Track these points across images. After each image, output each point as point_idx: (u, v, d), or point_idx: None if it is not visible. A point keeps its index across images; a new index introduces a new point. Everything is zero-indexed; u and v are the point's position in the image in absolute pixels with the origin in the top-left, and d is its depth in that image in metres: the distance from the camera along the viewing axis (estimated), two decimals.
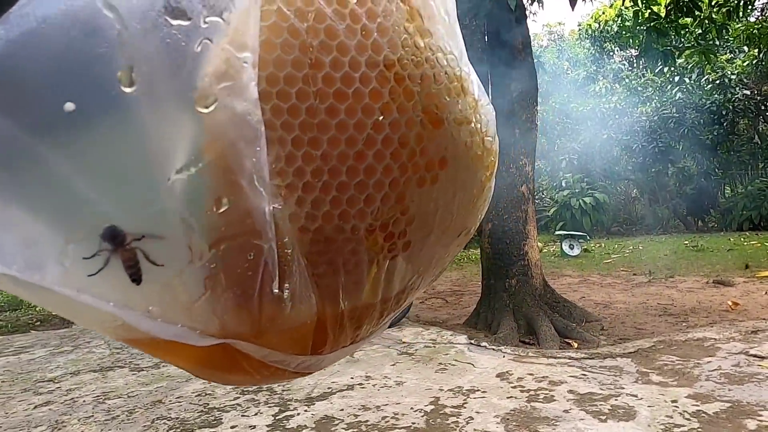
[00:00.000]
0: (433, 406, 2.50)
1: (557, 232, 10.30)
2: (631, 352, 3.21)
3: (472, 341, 3.63)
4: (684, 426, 2.13)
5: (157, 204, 0.26)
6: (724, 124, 11.79)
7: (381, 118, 0.28)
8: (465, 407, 2.47)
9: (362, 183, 0.29)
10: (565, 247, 8.91)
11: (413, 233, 0.31)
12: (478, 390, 2.70)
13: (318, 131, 0.27)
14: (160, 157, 0.25)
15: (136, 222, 0.26)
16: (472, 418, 2.34)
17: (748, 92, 11.54)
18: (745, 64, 11.54)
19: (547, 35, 19.72)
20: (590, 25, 14.74)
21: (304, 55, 0.27)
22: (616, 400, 2.46)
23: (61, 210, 0.25)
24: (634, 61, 14.86)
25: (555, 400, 2.51)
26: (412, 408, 2.49)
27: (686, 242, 9.31)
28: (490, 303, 4.33)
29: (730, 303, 4.47)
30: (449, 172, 0.31)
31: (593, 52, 15.45)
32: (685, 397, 2.43)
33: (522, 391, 2.65)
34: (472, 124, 0.32)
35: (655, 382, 2.68)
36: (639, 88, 13.38)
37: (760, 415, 2.15)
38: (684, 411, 2.28)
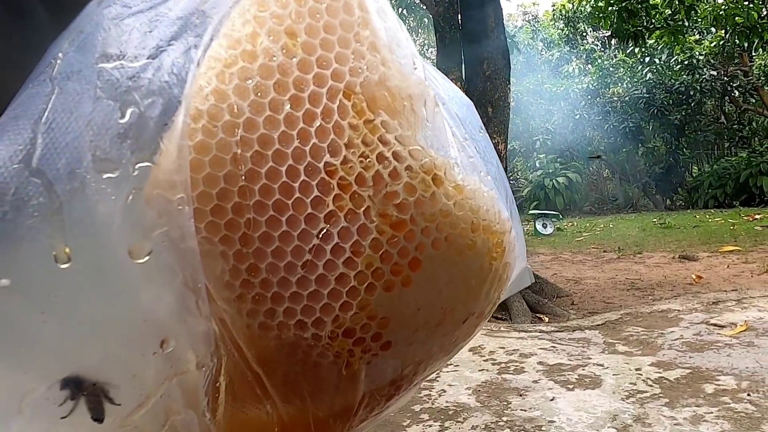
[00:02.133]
0: None
1: (531, 212, 10.46)
2: (598, 325, 3.31)
3: None
4: (647, 392, 2.22)
5: (105, 354, 0.26)
6: (692, 104, 12.07)
7: (328, 227, 0.27)
8: (438, 380, 2.52)
9: (315, 293, 0.27)
10: (539, 226, 9.07)
11: (391, 334, 0.29)
12: (450, 364, 2.75)
13: (260, 243, 0.26)
14: (101, 313, 0.25)
15: (92, 372, 0.26)
16: (445, 391, 2.39)
17: (714, 73, 11.82)
18: (712, 45, 11.78)
19: (521, 15, 19.73)
20: (564, 5, 14.79)
21: (236, 168, 0.25)
22: (583, 369, 2.54)
23: (20, 362, 0.25)
24: (607, 41, 15.02)
25: (525, 372, 2.58)
26: None
27: (654, 220, 9.58)
28: None
29: (694, 277, 4.64)
30: (425, 272, 0.28)
31: (567, 32, 15.55)
32: (649, 365, 2.53)
33: (493, 364, 2.71)
34: (452, 216, 0.28)
35: (621, 351, 2.77)
36: (611, 69, 13.57)
37: (718, 380, 2.25)
38: (647, 378, 2.37)
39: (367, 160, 0.27)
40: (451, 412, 2.17)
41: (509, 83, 4.58)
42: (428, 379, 2.35)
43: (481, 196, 0.30)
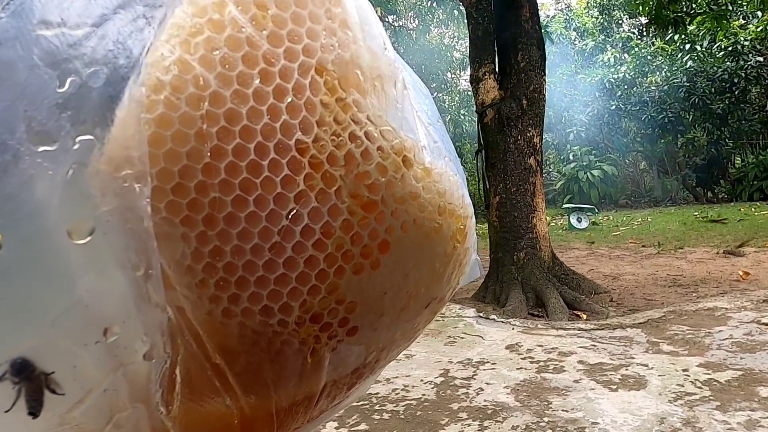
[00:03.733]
0: (443, 378, 2.51)
1: (565, 206, 10.24)
2: (641, 323, 3.20)
3: (481, 314, 3.64)
4: (696, 394, 2.13)
5: (42, 341, 0.24)
6: (736, 92, 11.55)
7: (297, 207, 0.25)
8: (475, 379, 2.48)
9: (283, 276, 0.26)
10: (573, 221, 8.87)
11: (357, 319, 0.29)
12: (487, 362, 2.70)
13: (225, 224, 0.25)
14: (39, 298, 0.23)
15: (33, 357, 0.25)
16: (482, 389, 2.35)
17: (761, 59, 11.27)
18: (758, 29, 11.22)
19: (553, 4, 19.25)
20: None
21: (200, 144, 0.24)
22: (626, 369, 2.46)
23: None
24: (644, 29, 14.51)
25: (565, 371, 2.52)
26: (422, 380, 2.50)
27: (696, 213, 9.23)
28: (499, 276, 4.32)
29: (740, 273, 4.44)
30: (394, 254, 0.28)
31: (601, 21, 15.08)
32: (697, 365, 2.43)
33: (531, 363, 2.65)
34: (421, 198, 0.28)
35: (666, 351, 2.67)
36: (648, 57, 13.09)
37: None
38: (696, 379, 2.27)
39: (339, 138, 0.26)
40: (489, 412, 2.14)
41: (544, 75, 4.46)
42: (465, 377, 2.31)
43: (447, 179, 0.30)
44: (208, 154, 0.24)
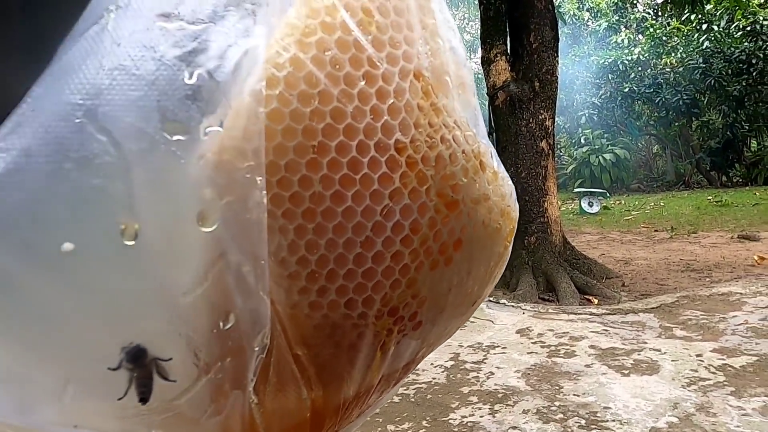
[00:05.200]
0: (453, 362, 2.51)
1: (576, 190, 10.14)
2: (653, 308, 3.17)
3: (491, 298, 3.62)
4: (710, 379, 2.10)
5: (163, 327, 0.25)
6: (754, 74, 11.27)
7: (391, 204, 0.27)
8: (485, 363, 2.48)
9: (370, 270, 0.28)
10: (584, 205, 8.78)
11: (424, 314, 0.31)
12: (498, 346, 2.70)
13: (323, 219, 0.26)
14: (166, 284, 0.24)
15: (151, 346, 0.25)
16: (493, 373, 2.35)
17: None
18: None
19: None
20: None
21: (307, 140, 0.25)
22: (639, 354, 2.44)
23: (63, 346, 0.24)
24: (659, 8, 14.16)
25: (576, 356, 2.50)
26: (432, 364, 2.50)
27: (709, 197, 9.09)
28: (509, 260, 4.28)
29: (756, 257, 4.37)
30: (464, 252, 0.30)
31: (616, 0, 14.74)
32: (710, 351, 2.40)
33: (542, 347, 2.64)
34: (491, 201, 0.31)
35: (679, 336, 2.64)
36: (664, 38, 12.80)
37: None
38: (710, 365, 2.25)
39: (432, 140, 0.28)
40: (500, 395, 2.13)
41: (557, 56, 4.36)
42: (475, 361, 2.30)
43: (507, 183, 0.33)
44: (313, 149, 0.25)
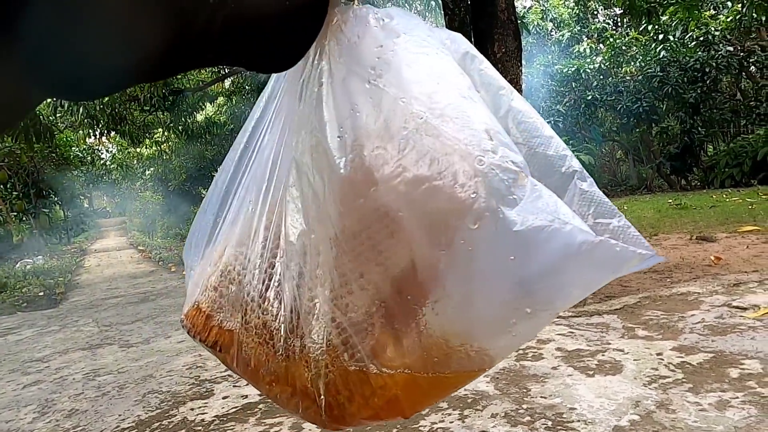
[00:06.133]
0: None
1: None
2: (617, 309, 3.26)
3: None
4: (669, 377, 2.18)
5: None
6: (707, 81, 11.78)
7: None
8: None
9: None
10: None
11: None
12: None
13: None
14: None
15: None
16: None
17: (731, 48, 11.51)
18: (728, 20, 11.45)
19: None
20: None
21: None
22: (603, 355, 2.51)
23: None
24: (619, 19, 14.68)
25: (543, 358, 2.55)
26: None
27: (670, 201, 9.42)
28: None
29: (713, 258, 4.55)
30: None
31: (577, 11, 15.21)
32: (670, 349, 2.48)
33: None
34: None
35: (641, 336, 2.73)
36: (623, 48, 13.26)
37: (743, 364, 2.21)
38: (669, 363, 2.32)
39: None
40: (470, 400, 2.15)
41: (521, 65, 4.47)
42: None
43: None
44: None
